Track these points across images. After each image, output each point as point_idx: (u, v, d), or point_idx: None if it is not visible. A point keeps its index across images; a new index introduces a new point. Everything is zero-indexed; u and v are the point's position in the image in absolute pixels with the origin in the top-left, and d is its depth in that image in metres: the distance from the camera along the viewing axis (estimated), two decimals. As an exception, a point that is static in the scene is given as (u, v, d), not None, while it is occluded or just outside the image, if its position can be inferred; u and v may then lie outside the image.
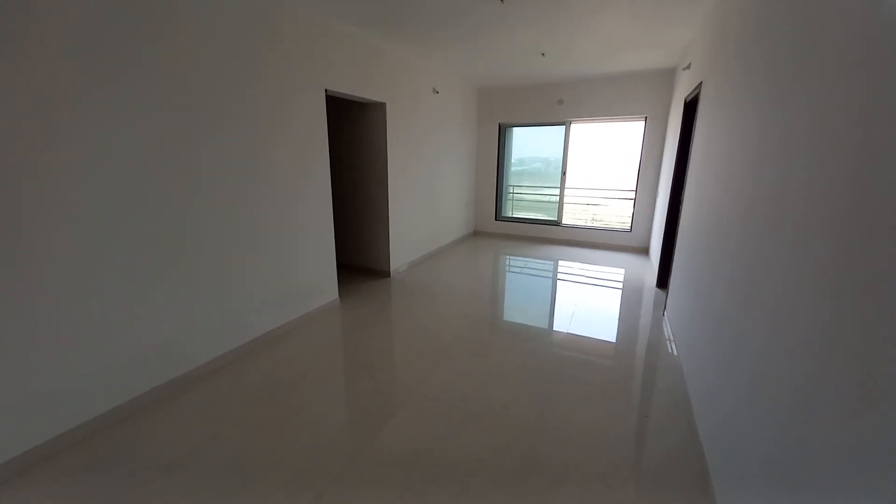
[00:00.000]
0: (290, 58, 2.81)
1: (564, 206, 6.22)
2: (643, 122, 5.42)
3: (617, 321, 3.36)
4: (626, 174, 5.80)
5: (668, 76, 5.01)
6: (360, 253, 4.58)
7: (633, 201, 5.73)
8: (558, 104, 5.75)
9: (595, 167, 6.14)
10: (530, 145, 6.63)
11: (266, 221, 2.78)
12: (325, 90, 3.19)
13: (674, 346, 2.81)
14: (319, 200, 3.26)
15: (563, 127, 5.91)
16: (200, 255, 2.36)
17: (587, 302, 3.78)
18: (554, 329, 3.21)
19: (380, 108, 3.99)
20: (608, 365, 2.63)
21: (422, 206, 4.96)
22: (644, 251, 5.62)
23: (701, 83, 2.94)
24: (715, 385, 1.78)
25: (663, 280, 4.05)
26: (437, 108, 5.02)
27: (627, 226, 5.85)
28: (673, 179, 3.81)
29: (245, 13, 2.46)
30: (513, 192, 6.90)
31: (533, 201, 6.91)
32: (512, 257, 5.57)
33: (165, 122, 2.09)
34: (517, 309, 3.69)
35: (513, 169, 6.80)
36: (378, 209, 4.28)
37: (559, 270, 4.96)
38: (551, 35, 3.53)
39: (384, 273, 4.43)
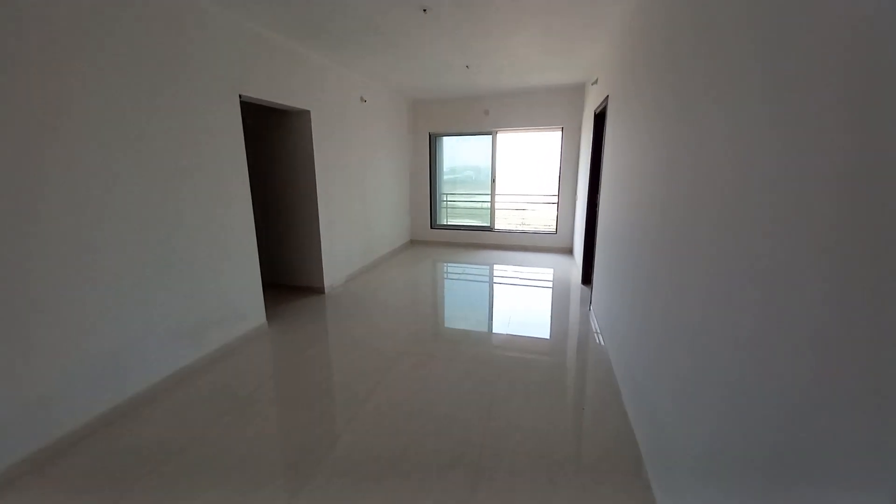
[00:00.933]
0: (198, 62, 2.54)
1: (496, 211, 6.47)
2: (560, 132, 5.86)
3: (550, 319, 3.55)
4: (550, 180, 6.21)
5: (579, 90, 5.49)
6: (291, 270, 4.28)
7: (556, 205, 6.14)
8: (485, 115, 5.98)
9: (522, 174, 6.47)
10: (462, 154, 6.79)
11: (177, 243, 2.46)
12: (240, 96, 2.94)
13: (601, 338, 3.03)
14: (240, 216, 2.98)
15: (490, 136, 6.16)
16: (90, 290, 2.00)
17: (522, 303, 3.94)
18: (494, 332, 3.28)
19: (304, 116, 3.79)
20: (545, 362, 2.75)
21: (355, 218, 4.80)
22: (568, 251, 6.04)
23: (608, 96, 3.25)
24: (642, 375, 1.94)
25: (587, 277, 4.38)
26: (366, 117, 4.91)
27: (553, 228, 6.25)
28: (589, 184, 4.15)
29: (149, 14, 2.17)
30: (447, 200, 7.00)
31: (466, 208, 7.08)
32: (449, 264, 5.63)
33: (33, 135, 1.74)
34: (457, 316, 3.72)
35: (445, 177, 6.91)
36: (308, 222, 4.04)
37: (495, 274, 5.12)
38: (472, 49, 3.66)
39: (318, 290, 4.19)
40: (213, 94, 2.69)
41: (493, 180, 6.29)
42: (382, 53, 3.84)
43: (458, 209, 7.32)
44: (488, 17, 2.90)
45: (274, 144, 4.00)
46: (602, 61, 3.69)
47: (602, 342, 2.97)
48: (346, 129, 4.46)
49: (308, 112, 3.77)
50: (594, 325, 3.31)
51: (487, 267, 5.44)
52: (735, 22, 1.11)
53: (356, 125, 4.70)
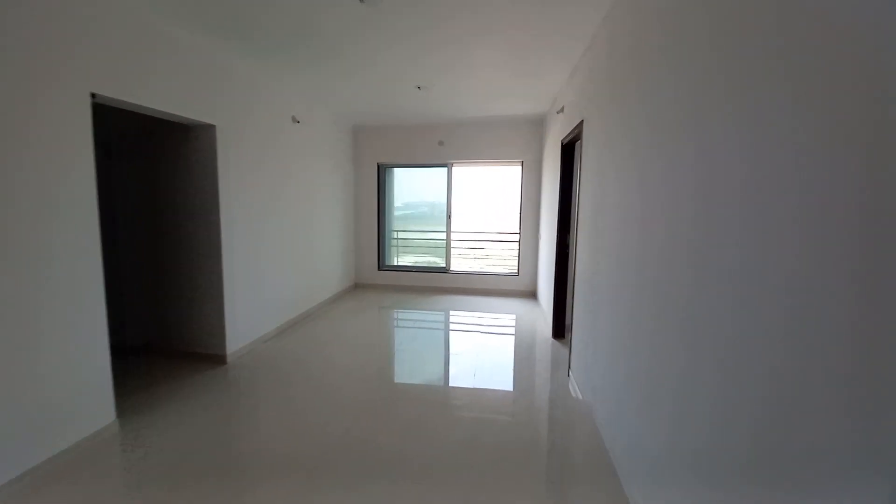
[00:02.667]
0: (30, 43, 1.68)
1: (452, 251, 5.82)
2: (520, 167, 5.45)
3: (516, 386, 2.81)
4: (510, 218, 5.73)
5: (539, 123, 5.17)
6: (181, 331, 3.22)
7: (517, 245, 5.62)
8: (439, 145, 5.46)
9: (481, 211, 5.95)
10: (416, 188, 6.16)
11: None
12: (93, 95, 2.07)
13: (593, 415, 2.33)
14: (79, 260, 2.01)
15: (446, 169, 5.62)
16: None
17: (486, 365, 3.18)
18: (453, 401, 2.47)
19: (208, 132, 2.95)
20: (518, 451, 1.98)
21: (279, 261, 3.88)
22: (532, 294, 5.47)
23: (581, 122, 2.78)
24: (653, 467, 1.25)
25: (559, 330, 3.75)
26: (299, 140, 4.15)
27: (514, 270, 5.69)
28: (558, 223, 3.63)
29: None
30: (397, 238, 6.26)
31: (421, 246, 6.38)
32: (400, 311, 4.80)
33: None
34: (410, 381, 2.88)
35: (398, 213, 6.20)
36: (206, 268, 3.07)
37: (452, 326, 4.35)
38: (425, 63, 3.11)
39: (218, 358, 3.15)
40: (40, 84, 1.81)
41: (449, 216, 5.68)
42: (321, 65, 3.17)
43: (412, 247, 6.60)
44: (443, 18, 2.34)
45: (170, 167, 3.08)
46: (571, 86, 3.29)
47: (597, 427, 2.27)
48: (271, 152, 3.65)
49: (213, 128, 2.94)
50: (576, 392, 2.62)
51: (442, 314, 4.67)
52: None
53: (286, 149, 3.91)
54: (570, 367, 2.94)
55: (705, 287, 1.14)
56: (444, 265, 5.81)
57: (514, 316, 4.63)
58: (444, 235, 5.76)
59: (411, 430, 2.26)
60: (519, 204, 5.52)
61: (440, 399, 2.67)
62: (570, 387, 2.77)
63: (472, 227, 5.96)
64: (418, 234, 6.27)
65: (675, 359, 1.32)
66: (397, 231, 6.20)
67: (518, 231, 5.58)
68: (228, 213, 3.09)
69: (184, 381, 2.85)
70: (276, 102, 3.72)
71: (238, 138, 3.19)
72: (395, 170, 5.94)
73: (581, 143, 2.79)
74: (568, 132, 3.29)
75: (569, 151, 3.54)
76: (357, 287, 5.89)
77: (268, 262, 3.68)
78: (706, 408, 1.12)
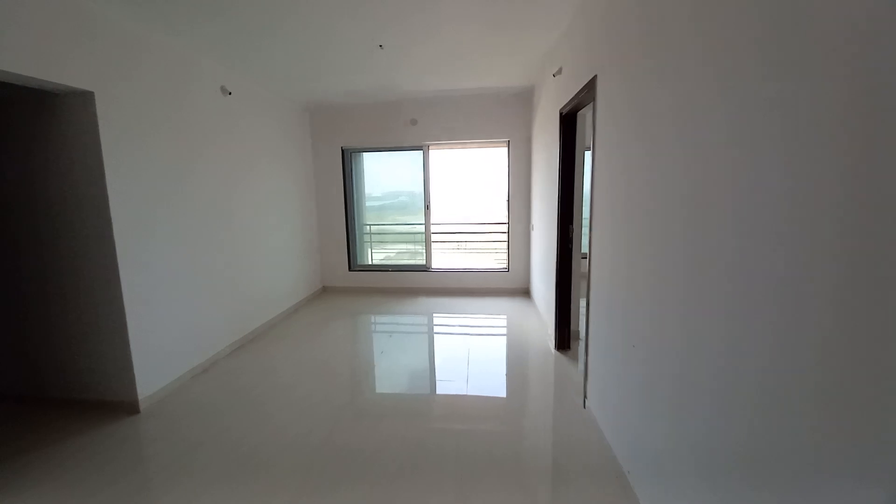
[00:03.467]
0: None
1: (433, 246, 5.12)
2: (506, 147, 4.76)
3: (515, 424, 2.18)
4: (498, 207, 5.06)
5: (526, 97, 4.47)
6: (68, 374, 2.42)
7: (506, 237, 4.97)
8: (411, 124, 4.69)
9: (465, 199, 5.25)
10: (395, 176, 5.38)
11: None
12: None
13: (628, 473, 1.72)
14: None
15: (421, 152, 4.88)
16: None
17: (476, 391, 2.54)
18: (434, 451, 1.82)
19: (80, 102, 2.13)
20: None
21: (215, 269, 3.10)
22: (524, 293, 4.85)
23: (594, 79, 2.10)
24: None
25: (564, 340, 3.14)
26: (234, 119, 3.33)
27: (504, 265, 5.05)
28: (559, 211, 2.98)
29: None
30: (370, 233, 5.51)
31: (398, 237, 5.64)
32: (376, 320, 4.11)
33: None
34: (388, 419, 2.20)
35: (375, 203, 5.42)
36: (97, 286, 2.28)
37: (437, 341, 3.68)
38: (375, 10, 2.35)
39: (126, 407, 2.38)
40: None
41: (427, 206, 4.96)
42: (249, 20, 2.36)
43: (389, 241, 5.86)
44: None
45: (25, 153, 2.25)
46: (571, 37, 2.59)
47: (631, 482, 1.66)
48: (189, 130, 2.84)
49: (88, 96, 2.12)
50: (601, 434, 2.01)
51: (424, 322, 4.00)
52: None
53: (214, 128, 3.10)
54: (585, 395, 2.32)
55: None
56: (423, 262, 5.11)
57: (505, 321, 4.00)
58: (422, 228, 5.04)
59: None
60: (507, 190, 4.84)
61: (427, 454, 2.00)
62: (592, 428, 2.15)
63: (455, 217, 5.27)
64: (394, 225, 5.51)
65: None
66: (370, 225, 5.44)
67: (507, 221, 4.92)
68: (126, 213, 2.29)
69: (76, 440, 2.09)
70: (190, 69, 2.89)
71: (134, 111, 2.38)
72: (365, 155, 5.16)
73: (594, 107, 2.11)
74: (569, 98, 2.62)
75: (569, 123, 2.87)
76: (326, 291, 5.14)
77: (197, 272, 2.90)
78: None
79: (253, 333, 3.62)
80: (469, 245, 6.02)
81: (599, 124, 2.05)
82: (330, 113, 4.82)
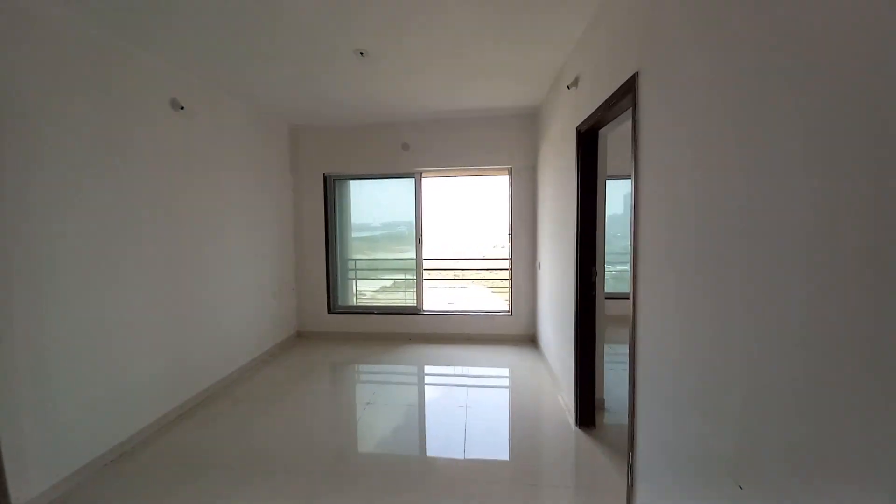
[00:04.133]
0: None
1: (427, 282, 4.50)
2: (508, 176, 4.27)
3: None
4: (499, 242, 4.50)
5: (530, 118, 4.02)
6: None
7: (508, 275, 4.37)
8: (403, 150, 4.21)
9: (463, 231, 4.70)
10: (390, 205, 4.82)
11: None
12: None
13: None
14: None
15: (413, 180, 4.37)
16: None
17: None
18: None
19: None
20: None
21: (146, 316, 2.46)
22: (531, 340, 4.19)
23: (634, 77, 1.57)
24: None
25: (587, 414, 2.45)
26: (189, 139, 2.80)
27: (506, 308, 4.42)
28: (579, 249, 2.39)
29: None
30: (356, 268, 4.88)
31: (392, 276, 5.01)
32: (357, 376, 3.42)
33: None
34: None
35: (368, 234, 4.81)
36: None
37: (429, 411, 2.96)
38: (365, 11, 1.88)
39: (-25, 523, 1.67)
40: None
41: (419, 240, 4.39)
42: (205, 16, 1.88)
43: (378, 277, 5.22)
44: None
45: None
46: (592, 41, 2.11)
47: None
48: (122, 151, 2.29)
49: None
50: None
51: (414, 383, 3.31)
52: None
53: (160, 148, 2.56)
54: (630, 515, 1.62)
55: None
56: (414, 303, 4.46)
57: (509, 381, 3.32)
58: (413, 262, 4.44)
59: None
60: (508, 224, 4.30)
61: None
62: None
63: (453, 252, 4.69)
64: (383, 260, 4.90)
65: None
66: (356, 259, 4.82)
67: (509, 257, 4.34)
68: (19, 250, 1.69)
69: None
70: (132, 74, 2.39)
71: (40, 120, 1.83)
72: (352, 183, 4.63)
73: (635, 115, 1.57)
74: (591, 112, 2.10)
75: (590, 143, 2.35)
76: (301, 338, 4.45)
77: (124, 317, 2.26)
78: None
79: (203, 395, 2.91)
80: (466, 282, 5.41)
81: (646, 134, 1.51)
82: (312, 135, 4.35)
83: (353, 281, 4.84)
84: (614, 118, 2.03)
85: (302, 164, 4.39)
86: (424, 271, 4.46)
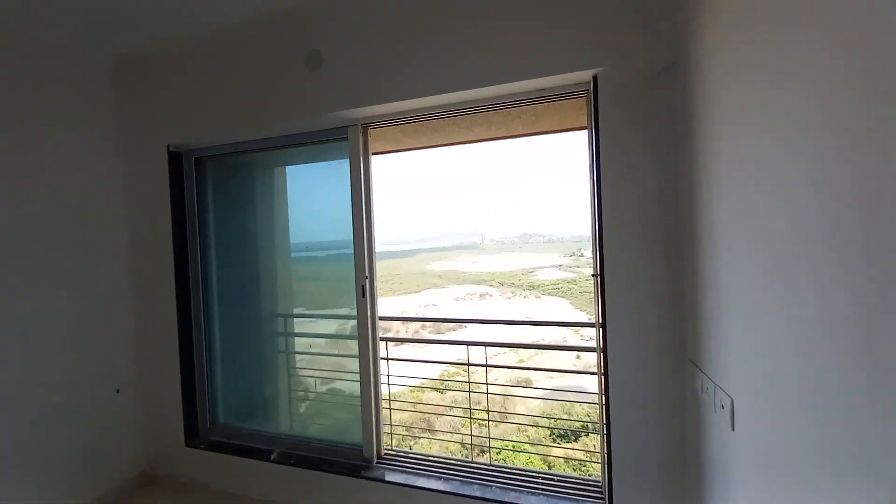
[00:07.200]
0: None
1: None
2: (588, 107, 1.56)
3: None
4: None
5: None
6: None
7: (600, 357, 1.60)
8: (308, 70, 1.74)
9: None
10: (312, 209, 2.36)
11: None
12: None
13: None
14: None
15: (344, 147, 1.86)
16: None
17: None
18: None
19: None
20: None
21: None
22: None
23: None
24: None
25: None
26: None
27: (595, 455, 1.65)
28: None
29: None
30: (289, 328, 2.40)
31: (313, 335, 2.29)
32: None
33: None
34: None
35: (299, 254, 2.30)
36: None
37: None
38: None
39: None
40: None
41: (363, 285, 1.85)
42: None
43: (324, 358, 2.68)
44: None
45: None
46: None
47: None
48: None
49: None
50: None
51: None
52: None
53: None
54: None
55: None
56: (359, 442, 1.89)
57: None
58: (353, 331, 1.90)
59: None
60: (595, 235, 1.55)
61: None
62: None
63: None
64: (311, 319, 2.33)
65: None
66: (289, 317, 2.33)
67: (599, 309, 1.57)
68: None
69: None
70: None
71: None
72: (241, 160, 2.26)
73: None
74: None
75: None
76: (147, 485, 2.15)
77: None
78: None
79: None
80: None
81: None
82: (150, 72, 2.08)
83: (288, 352, 2.38)
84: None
85: (140, 128, 2.12)
86: (388, 354, 1.90)
